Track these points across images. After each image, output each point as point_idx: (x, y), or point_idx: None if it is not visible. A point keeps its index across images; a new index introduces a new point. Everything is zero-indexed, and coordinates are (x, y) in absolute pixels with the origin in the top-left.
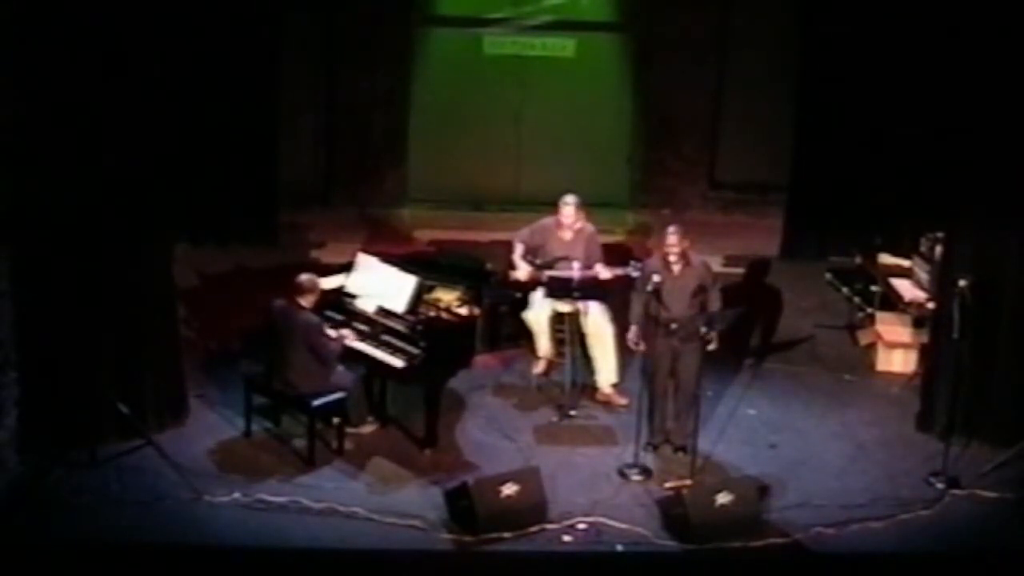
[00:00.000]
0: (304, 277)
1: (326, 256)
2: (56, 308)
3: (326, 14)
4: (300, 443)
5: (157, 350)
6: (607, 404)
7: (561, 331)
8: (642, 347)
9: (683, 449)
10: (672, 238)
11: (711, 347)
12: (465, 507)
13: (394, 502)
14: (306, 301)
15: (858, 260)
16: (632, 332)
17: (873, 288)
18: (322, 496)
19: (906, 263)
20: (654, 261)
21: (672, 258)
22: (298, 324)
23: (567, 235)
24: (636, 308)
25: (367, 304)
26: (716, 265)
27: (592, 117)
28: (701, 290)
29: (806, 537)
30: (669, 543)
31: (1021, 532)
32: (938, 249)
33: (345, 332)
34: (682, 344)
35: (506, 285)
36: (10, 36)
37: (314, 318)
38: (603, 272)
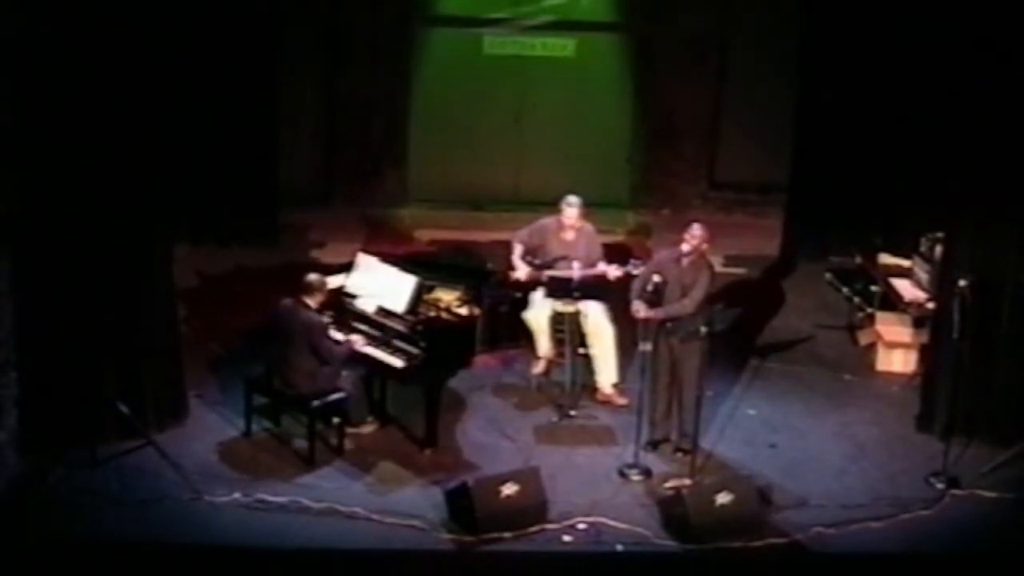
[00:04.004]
0: (312, 276)
1: (326, 256)
2: (56, 308)
3: (326, 14)
4: (300, 443)
5: (157, 350)
6: (607, 404)
7: (561, 331)
8: (647, 314)
9: (684, 450)
10: (697, 231)
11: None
12: (465, 507)
13: (394, 502)
14: (313, 300)
15: (858, 260)
16: (634, 304)
17: (873, 288)
18: (322, 496)
19: (906, 263)
20: (665, 253)
21: (686, 248)
22: (302, 323)
23: (569, 235)
24: (636, 285)
25: (367, 304)
26: (716, 266)
27: (592, 117)
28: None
29: (806, 537)
30: (669, 543)
31: (1021, 532)
32: (938, 249)
33: (355, 337)
34: (682, 344)
35: (506, 285)
36: (11, 36)
37: (317, 318)
38: (611, 271)
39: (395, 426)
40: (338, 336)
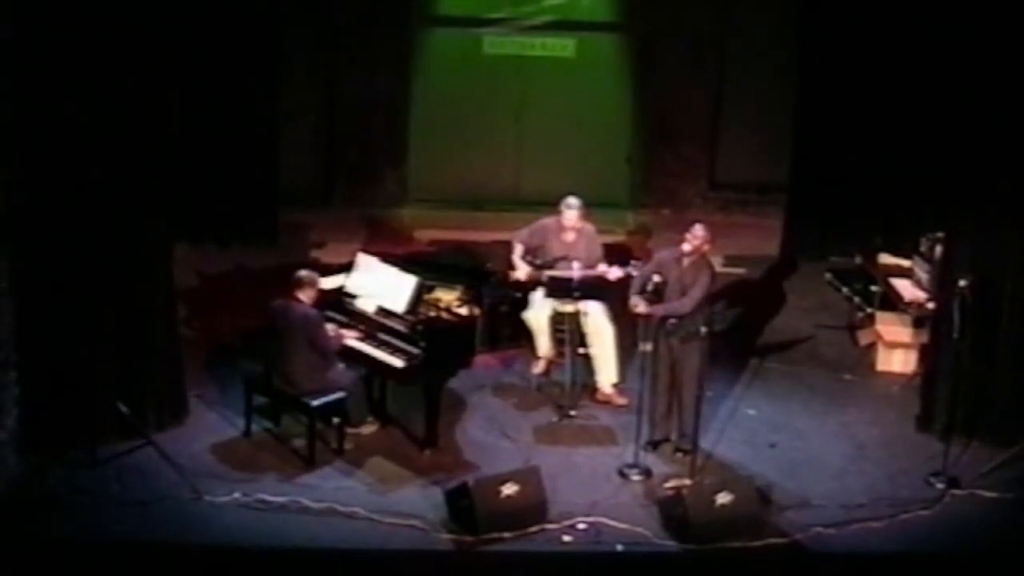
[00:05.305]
0: (303, 272)
1: (326, 256)
2: (56, 308)
3: (326, 14)
4: (300, 443)
5: (157, 350)
6: (607, 404)
7: (561, 331)
8: (645, 310)
9: (684, 450)
10: (699, 232)
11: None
12: (465, 507)
13: (394, 502)
14: (305, 295)
15: (858, 260)
16: (632, 299)
17: (873, 288)
18: (322, 496)
19: (906, 263)
20: (666, 253)
21: (687, 247)
22: (297, 317)
23: (569, 236)
24: (637, 282)
25: (367, 304)
26: (716, 266)
27: (592, 117)
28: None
29: (806, 537)
30: (669, 543)
31: (1021, 532)
32: (938, 249)
33: (344, 331)
34: (682, 344)
35: (506, 285)
36: (10, 37)
37: (312, 311)
38: (613, 272)
39: (395, 426)
40: (330, 331)
